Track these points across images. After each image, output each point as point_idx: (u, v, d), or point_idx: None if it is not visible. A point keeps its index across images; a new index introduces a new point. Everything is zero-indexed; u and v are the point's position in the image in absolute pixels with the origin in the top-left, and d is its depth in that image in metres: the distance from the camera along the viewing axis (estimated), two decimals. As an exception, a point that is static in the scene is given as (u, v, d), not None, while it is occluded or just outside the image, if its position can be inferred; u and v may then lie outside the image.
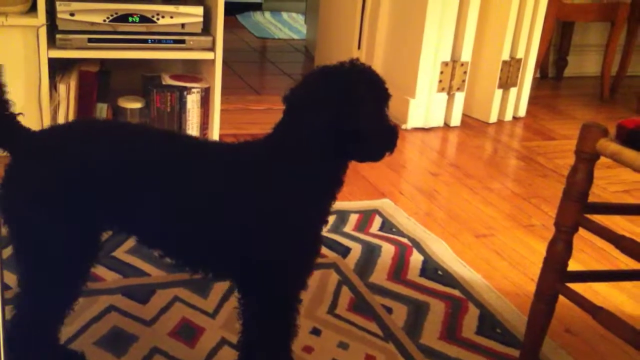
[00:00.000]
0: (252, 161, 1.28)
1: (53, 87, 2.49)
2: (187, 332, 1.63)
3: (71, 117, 2.50)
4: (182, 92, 2.62)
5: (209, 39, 2.60)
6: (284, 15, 5.68)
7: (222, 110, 2.73)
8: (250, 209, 1.25)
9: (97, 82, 2.53)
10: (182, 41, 2.57)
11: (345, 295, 1.84)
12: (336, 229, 2.18)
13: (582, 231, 1.49)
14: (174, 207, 1.26)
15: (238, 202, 1.25)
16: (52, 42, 2.42)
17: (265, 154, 1.28)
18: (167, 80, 2.66)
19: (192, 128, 2.67)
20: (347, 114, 1.22)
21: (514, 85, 3.45)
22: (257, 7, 5.81)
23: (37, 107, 2.45)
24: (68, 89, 2.47)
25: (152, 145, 1.29)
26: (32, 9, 2.40)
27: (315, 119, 1.23)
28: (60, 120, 2.48)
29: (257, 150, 1.30)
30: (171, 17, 2.53)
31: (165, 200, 1.26)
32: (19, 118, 1.29)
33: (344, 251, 2.06)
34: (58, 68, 2.54)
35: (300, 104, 1.27)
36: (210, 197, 1.25)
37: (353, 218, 2.27)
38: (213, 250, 1.30)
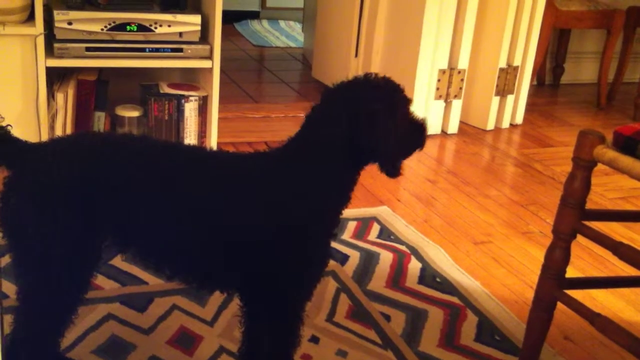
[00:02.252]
0: (263, 173, 1.27)
1: (51, 95, 2.49)
2: (185, 341, 1.62)
3: (69, 126, 2.50)
4: (180, 100, 2.63)
5: (207, 47, 2.60)
6: (282, 23, 5.69)
7: (220, 119, 2.73)
8: (265, 222, 1.24)
9: (95, 90, 2.53)
10: (180, 50, 2.57)
11: (344, 302, 1.84)
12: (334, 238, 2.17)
13: (580, 238, 1.49)
14: (183, 221, 1.25)
15: (251, 215, 1.24)
16: (49, 51, 2.42)
17: (278, 167, 1.28)
18: (165, 89, 2.67)
19: (190, 136, 2.67)
20: (360, 130, 1.23)
21: (511, 92, 3.46)
22: (255, 15, 5.82)
23: (34, 116, 2.45)
24: (66, 98, 2.47)
25: (156, 156, 1.28)
26: (30, 18, 2.40)
27: (328, 134, 1.24)
28: (58, 128, 2.48)
29: (270, 163, 1.29)
30: (169, 26, 2.54)
31: (173, 214, 1.24)
32: (12, 131, 1.28)
33: (343, 259, 2.06)
34: (56, 77, 2.54)
35: (316, 120, 1.27)
36: (222, 211, 1.24)
37: (351, 225, 2.27)
38: (224, 265, 1.29)
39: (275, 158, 1.29)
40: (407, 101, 1.30)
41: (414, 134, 1.32)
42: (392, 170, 1.30)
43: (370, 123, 1.24)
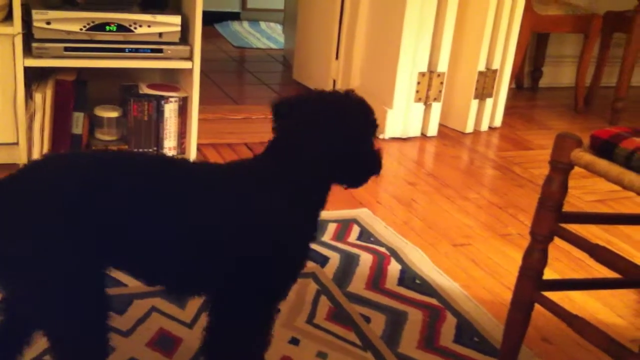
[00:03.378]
0: (249, 184, 1.28)
1: (29, 96, 2.46)
2: (165, 343, 1.62)
3: (47, 127, 2.47)
4: (159, 101, 2.61)
5: (187, 48, 2.59)
6: (262, 24, 5.68)
7: (200, 120, 2.72)
8: (252, 232, 1.25)
9: (74, 91, 2.51)
10: (160, 50, 2.56)
11: (324, 304, 1.84)
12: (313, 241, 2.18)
13: (557, 240, 1.51)
14: (172, 237, 1.23)
15: (239, 225, 1.24)
16: (28, 51, 2.40)
17: (262, 177, 1.29)
18: (145, 90, 2.65)
19: (170, 137, 2.66)
20: (343, 141, 1.28)
21: (490, 95, 3.48)
22: (236, 16, 5.81)
23: (12, 116, 2.43)
24: (44, 98, 2.45)
25: (138, 173, 1.24)
26: (8, 17, 2.38)
27: (315, 146, 1.28)
28: (36, 129, 2.46)
29: (253, 173, 1.31)
30: (149, 26, 2.53)
31: (160, 230, 1.22)
32: None
33: (323, 261, 2.06)
34: (34, 77, 2.51)
35: (304, 130, 1.30)
36: (212, 224, 1.24)
37: (331, 227, 2.27)
38: (216, 276, 1.29)
39: (261, 170, 1.31)
40: (377, 126, 1.37)
41: (374, 160, 1.38)
42: (360, 179, 1.38)
43: (352, 134, 1.29)
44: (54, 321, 1.20)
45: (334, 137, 1.28)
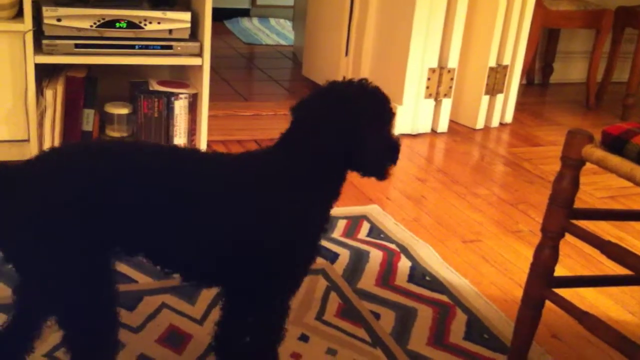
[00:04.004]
0: (259, 177, 1.28)
1: (40, 92, 2.47)
2: (175, 339, 1.62)
3: (58, 123, 2.49)
4: (169, 97, 2.62)
5: (197, 44, 2.60)
6: (272, 21, 5.69)
7: (209, 116, 2.72)
8: (266, 223, 1.25)
9: (84, 87, 2.52)
10: (170, 47, 2.56)
11: (334, 301, 1.84)
12: (324, 234, 2.17)
13: (568, 237, 1.50)
14: (184, 228, 1.22)
15: (248, 219, 1.24)
16: (38, 48, 2.41)
17: (275, 168, 1.29)
18: (155, 86, 2.66)
19: (180, 134, 2.66)
20: (354, 134, 1.27)
21: (501, 91, 3.47)
22: (245, 13, 5.82)
23: (23, 113, 2.44)
24: (55, 95, 2.46)
25: (150, 161, 1.24)
26: (19, 15, 2.39)
27: (327, 139, 1.27)
28: (47, 125, 2.47)
29: (266, 165, 1.30)
30: (158, 23, 2.53)
31: (173, 220, 1.21)
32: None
33: (332, 257, 2.06)
34: (45, 74, 2.52)
35: (312, 123, 1.29)
36: (221, 217, 1.23)
37: (341, 224, 2.27)
38: (230, 265, 1.29)
39: (274, 161, 1.30)
40: (393, 114, 1.35)
41: (391, 149, 1.36)
42: (380, 174, 1.35)
43: (364, 126, 1.27)
44: (63, 314, 1.20)
45: (342, 128, 1.27)
